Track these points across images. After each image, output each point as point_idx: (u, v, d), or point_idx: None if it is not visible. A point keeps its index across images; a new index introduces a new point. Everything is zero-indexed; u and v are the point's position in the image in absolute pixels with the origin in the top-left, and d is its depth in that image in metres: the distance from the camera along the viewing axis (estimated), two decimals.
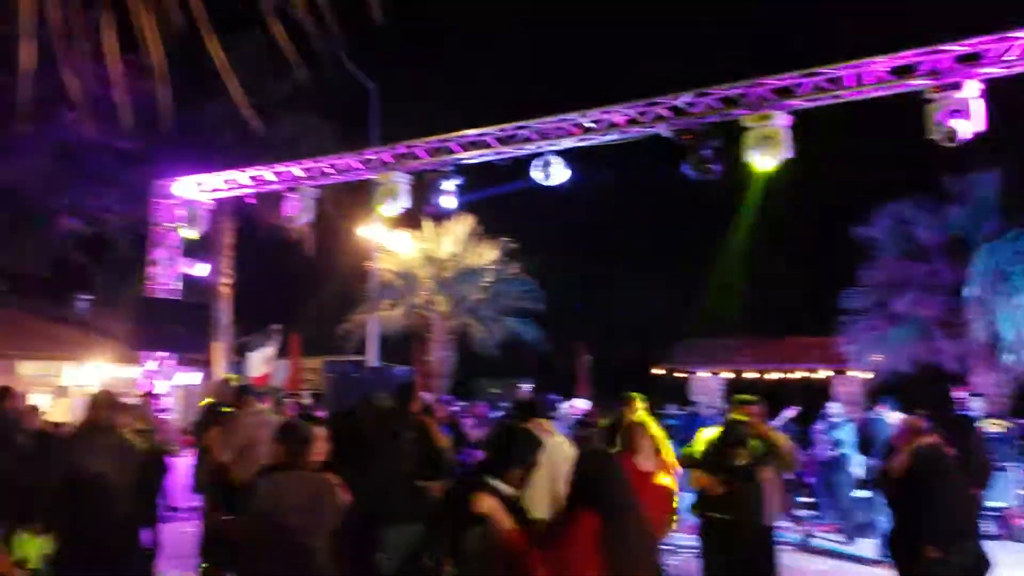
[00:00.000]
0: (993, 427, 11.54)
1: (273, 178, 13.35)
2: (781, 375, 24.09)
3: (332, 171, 12.94)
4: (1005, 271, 14.63)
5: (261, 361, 21.10)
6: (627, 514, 3.74)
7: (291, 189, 13.03)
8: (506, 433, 4.46)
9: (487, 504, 3.74)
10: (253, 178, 13.57)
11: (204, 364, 20.78)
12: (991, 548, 6.00)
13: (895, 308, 17.28)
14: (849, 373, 20.94)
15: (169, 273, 14.35)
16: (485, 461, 4.17)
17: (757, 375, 23.39)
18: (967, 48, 8.73)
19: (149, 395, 11.08)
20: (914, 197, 17.50)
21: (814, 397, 15.76)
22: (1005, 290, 14.72)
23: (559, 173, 11.15)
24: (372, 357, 20.90)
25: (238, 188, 13.79)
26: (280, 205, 13.36)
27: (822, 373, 22.93)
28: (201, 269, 15.05)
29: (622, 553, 3.60)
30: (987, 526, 11.01)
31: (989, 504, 10.76)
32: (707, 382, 25.10)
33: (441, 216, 23.50)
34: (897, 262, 17.54)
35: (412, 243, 25.52)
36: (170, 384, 14.34)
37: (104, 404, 5.94)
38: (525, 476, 4.03)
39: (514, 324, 26.27)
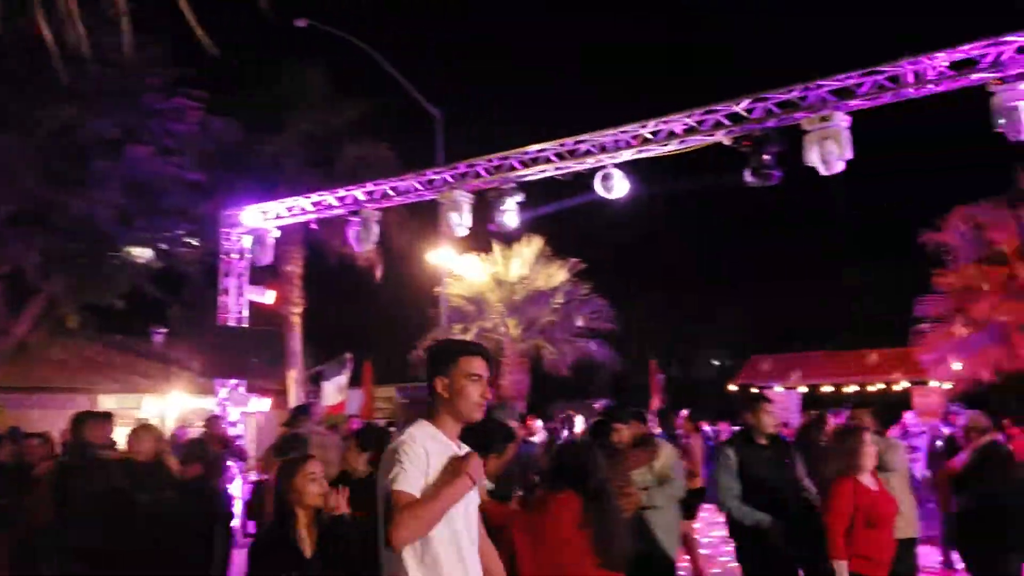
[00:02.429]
0: None
1: (335, 203, 13.54)
2: (859, 387, 23.44)
3: (394, 193, 13.07)
4: None
5: (335, 390, 21.40)
6: (605, 496, 4.26)
7: (353, 213, 13.20)
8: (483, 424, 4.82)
9: None
10: (315, 203, 13.80)
11: (279, 392, 21.17)
12: None
13: (973, 314, 16.68)
14: (930, 383, 20.25)
15: (238, 302, 14.65)
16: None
17: (834, 388, 22.77)
18: None
19: (215, 418, 11.31)
20: (989, 199, 16.93)
21: (892, 409, 15.24)
22: None
23: (620, 186, 11.08)
24: None
25: (302, 214, 14.02)
26: (344, 230, 13.59)
27: (902, 384, 22.25)
28: (269, 297, 15.32)
29: (600, 531, 4.12)
30: None
31: None
32: (783, 397, 24.49)
33: (508, 237, 23.57)
34: (973, 267, 16.96)
35: (481, 267, 25.65)
36: (241, 411, 14.59)
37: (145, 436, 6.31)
38: (498, 464, 4.66)
39: (586, 345, 26.14)
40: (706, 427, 19.87)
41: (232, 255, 14.60)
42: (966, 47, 8.74)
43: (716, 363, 42.21)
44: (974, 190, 17.38)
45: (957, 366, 17.46)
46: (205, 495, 7.01)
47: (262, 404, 14.82)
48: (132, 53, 13.24)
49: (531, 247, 25.68)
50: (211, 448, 9.05)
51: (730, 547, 6.45)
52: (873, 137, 9.80)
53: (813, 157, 9.57)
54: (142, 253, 15.80)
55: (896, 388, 23.19)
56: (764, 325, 40.67)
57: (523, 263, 25.81)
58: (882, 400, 21.07)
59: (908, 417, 12.26)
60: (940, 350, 17.60)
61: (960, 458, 6.07)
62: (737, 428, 20.92)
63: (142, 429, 6.63)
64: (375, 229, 13.27)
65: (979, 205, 16.93)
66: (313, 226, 14.92)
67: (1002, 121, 8.41)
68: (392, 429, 16.21)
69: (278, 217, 14.23)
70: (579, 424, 13.19)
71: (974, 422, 6.29)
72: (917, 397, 21.16)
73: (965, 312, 16.95)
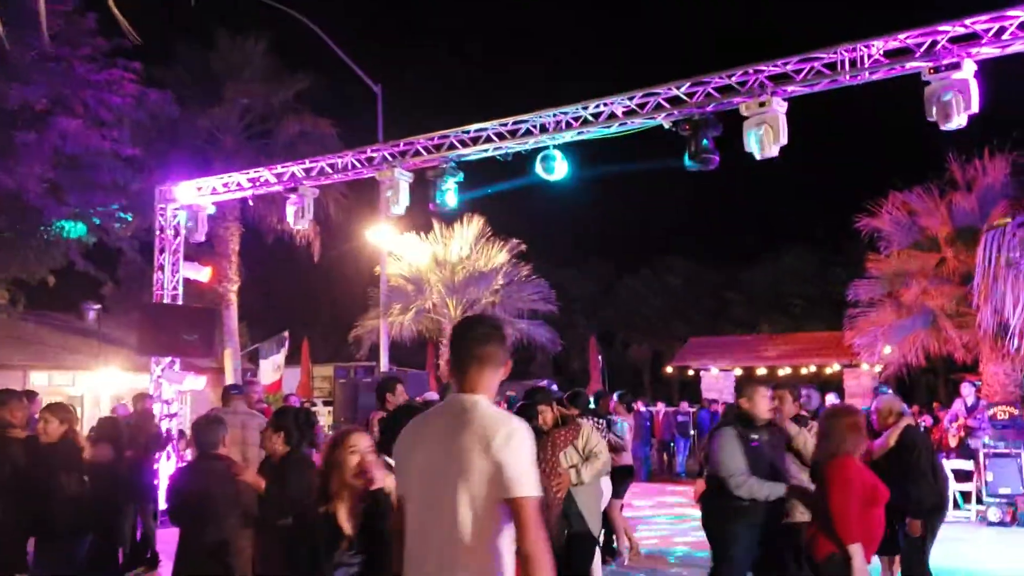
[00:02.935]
0: (1002, 414, 11.44)
1: (272, 179, 13.29)
2: (792, 370, 23.96)
3: (332, 170, 12.88)
4: (1012, 258, 14.38)
5: (272, 368, 21.16)
6: None
7: (291, 189, 12.97)
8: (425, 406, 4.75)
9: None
10: (252, 179, 13.52)
11: (216, 371, 20.86)
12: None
13: (904, 299, 17.08)
14: (862, 366, 20.77)
15: (173, 279, 14.34)
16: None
17: (767, 370, 23.20)
18: (963, 28, 8.59)
19: (142, 396, 11.11)
20: (922, 186, 17.32)
21: (824, 391, 15.62)
22: (1011, 277, 14.45)
23: (560, 167, 11.08)
24: (384, 362, 20.90)
25: (238, 190, 13.74)
26: (282, 208, 13.34)
27: (835, 367, 22.80)
28: (204, 273, 15.00)
29: None
30: (996, 512, 10.96)
31: (1000, 491, 10.72)
32: (717, 379, 24.91)
33: (448, 217, 23.45)
34: (905, 252, 17.36)
35: (421, 247, 25.50)
36: (177, 389, 14.32)
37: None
38: None
39: (526, 326, 26.18)
40: (642, 407, 20.17)
41: (167, 231, 14.28)
42: (901, 35, 8.89)
43: (653, 344, 42.78)
44: (910, 176, 17.82)
45: (888, 350, 17.88)
46: (114, 475, 6.92)
47: (198, 382, 14.54)
48: (51, 21, 12.76)
49: (472, 228, 25.62)
50: (141, 429, 8.91)
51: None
52: (814, 122, 9.94)
53: (751, 142, 9.67)
54: (74, 228, 15.26)
55: (828, 371, 23.77)
56: (700, 308, 41.42)
57: (464, 243, 25.73)
58: (815, 382, 21.56)
59: (830, 399, 12.54)
60: (871, 334, 17.99)
61: (879, 442, 6.08)
62: (671, 409, 21.11)
63: (48, 410, 6.51)
64: (312, 207, 13.08)
65: (912, 191, 17.30)
66: (251, 202, 14.67)
67: (934, 110, 8.59)
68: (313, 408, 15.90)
69: (214, 192, 13.92)
70: None
71: (888, 406, 6.30)
72: (848, 380, 21.72)
73: (896, 297, 17.35)
